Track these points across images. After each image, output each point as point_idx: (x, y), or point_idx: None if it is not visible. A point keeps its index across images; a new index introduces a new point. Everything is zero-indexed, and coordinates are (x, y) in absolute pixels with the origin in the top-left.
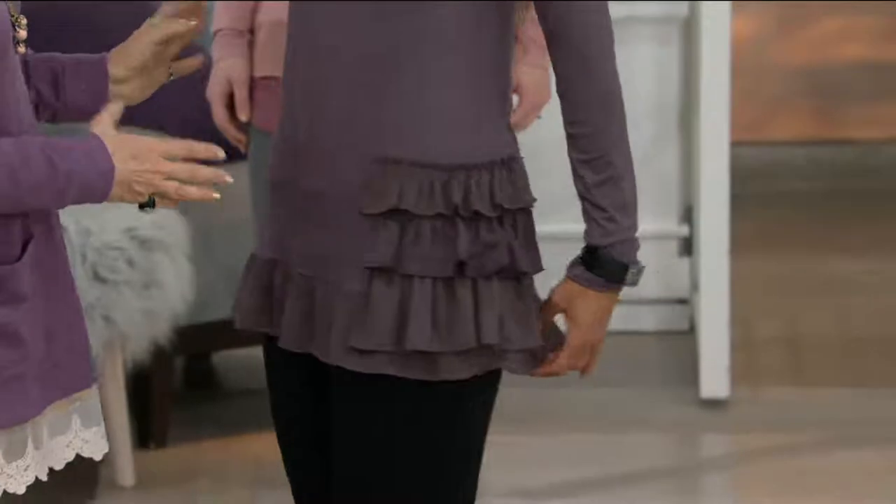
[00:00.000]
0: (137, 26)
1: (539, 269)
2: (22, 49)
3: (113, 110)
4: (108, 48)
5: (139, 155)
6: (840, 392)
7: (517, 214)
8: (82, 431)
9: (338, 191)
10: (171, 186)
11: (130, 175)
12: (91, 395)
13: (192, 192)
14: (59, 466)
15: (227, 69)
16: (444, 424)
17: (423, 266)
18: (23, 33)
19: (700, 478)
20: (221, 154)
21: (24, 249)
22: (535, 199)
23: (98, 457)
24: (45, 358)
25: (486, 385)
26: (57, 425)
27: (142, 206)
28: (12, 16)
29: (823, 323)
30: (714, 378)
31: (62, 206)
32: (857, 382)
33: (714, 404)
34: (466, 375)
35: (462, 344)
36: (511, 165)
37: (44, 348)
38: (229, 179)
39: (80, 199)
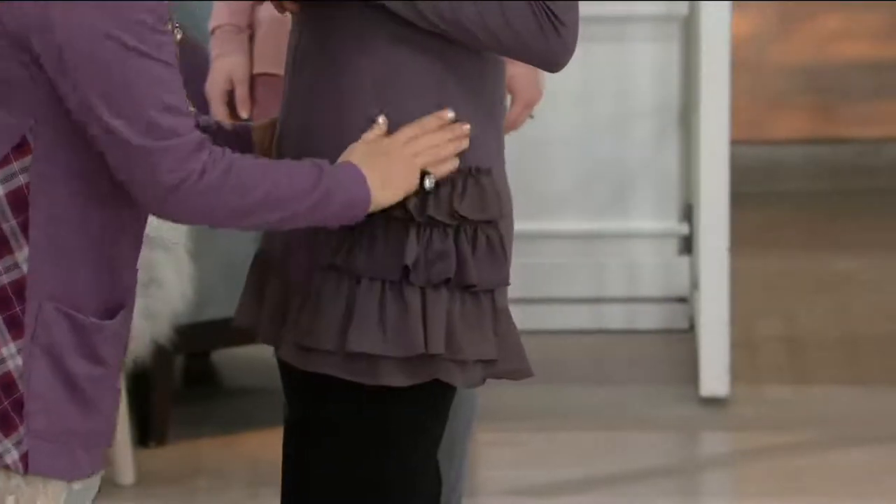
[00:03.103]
0: None
1: (499, 284)
2: None
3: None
4: None
5: (386, 151)
6: (840, 390)
7: (480, 226)
8: None
9: None
10: (423, 160)
11: (387, 169)
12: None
13: (447, 150)
14: None
15: (227, 66)
16: (380, 430)
17: (372, 268)
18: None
19: (700, 476)
20: (450, 114)
21: (114, 314)
22: (503, 213)
23: None
24: (102, 430)
25: (432, 395)
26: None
27: (425, 190)
28: None
29: (823, 321)
30: (714, 376)
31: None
32: (857, 380)
33: (714, 402)
34: (406, 383)
35: (408, 350)
36: (480, 178)
37: (103, 420)
38: (466, 127)
39: (343, 205)
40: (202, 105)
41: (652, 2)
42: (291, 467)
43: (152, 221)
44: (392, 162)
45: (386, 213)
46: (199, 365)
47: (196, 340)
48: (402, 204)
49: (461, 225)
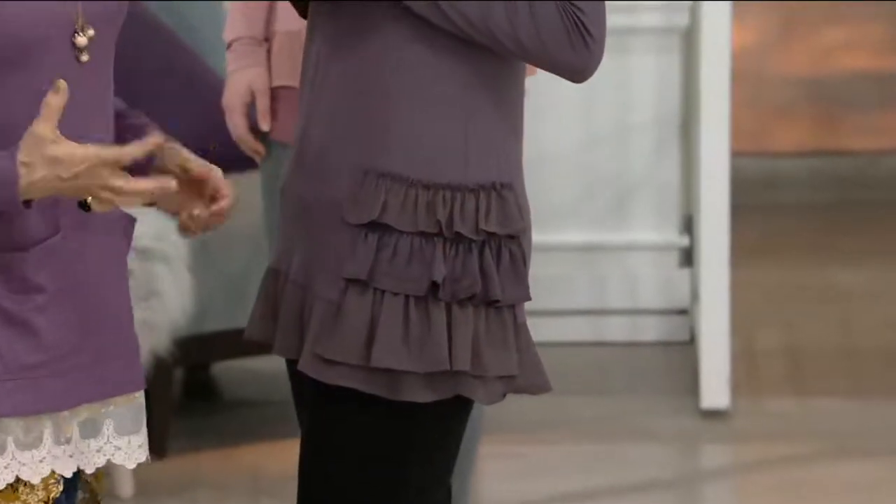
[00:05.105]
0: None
1: (521, 299)
2: (85, 57)
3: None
4: None
5: (60, 161)
6: (841, 402)
7: (504, 241)
8: (115, 438)
9: (325, 199)
10: (106, 196)
11: (54, 182)
12: (129, 402)
13: (131, 199)
14: (89, 470)
15: (247, 78)
16: (400, 445)
17: (396, 282)
18: (82, 40)
19: (700, 489)
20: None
21: (43, 241)
22: (526, 228)
23: (129, 465)
24: (78, 354)
25: (452, 411)
26: (89, 427)
27: (80, 205)
28: (77, 21)
29: (824, 333)
30: (714, 389)
31: None
32: (858, 393)
33: (714, 415)
34: (428, 399)
35: (432, 366)
36: (503, 193)
37: (75, 344)
38: (173, 186)
39: None
40: (207, 116)
41: (653, 13)
42: (306, 482)
43: (152, 232)
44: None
45: (413, 227)
46: (200, 377)
47: (196, 353)
48: (430, 219)
49: (486, 240)
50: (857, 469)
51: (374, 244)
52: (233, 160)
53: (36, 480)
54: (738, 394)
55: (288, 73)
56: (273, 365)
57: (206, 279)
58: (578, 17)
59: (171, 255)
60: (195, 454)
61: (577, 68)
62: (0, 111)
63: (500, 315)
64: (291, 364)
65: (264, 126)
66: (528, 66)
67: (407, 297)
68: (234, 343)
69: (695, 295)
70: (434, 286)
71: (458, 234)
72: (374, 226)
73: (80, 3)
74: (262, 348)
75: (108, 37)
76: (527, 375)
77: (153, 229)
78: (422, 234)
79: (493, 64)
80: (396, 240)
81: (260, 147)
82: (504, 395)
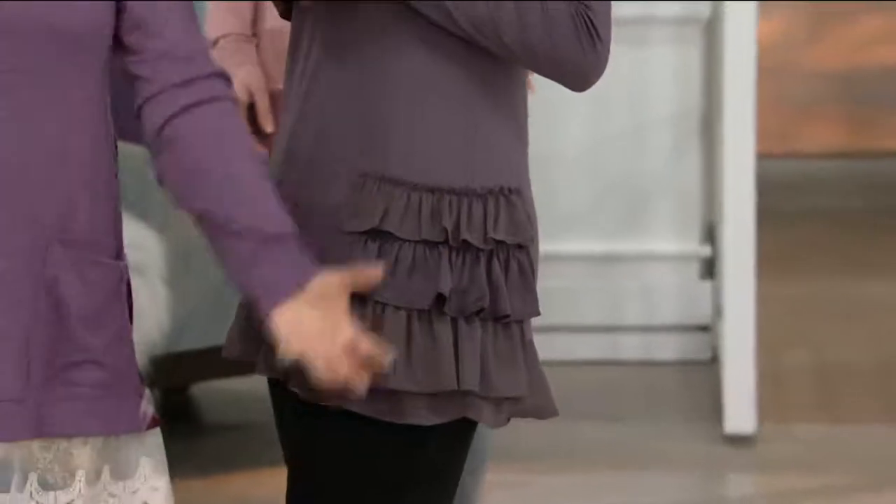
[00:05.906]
0: None
1: (530, 314)
2: None
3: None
4: None
5: (327, 316)
6: (875, 427)
7: (512, 251)
8: None
9: (320, 205)
10: (323, 363)
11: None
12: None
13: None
14: None
15: (243, 77)
16: (398, 470)
17: (398, 295)
18: None
19: None
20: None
21: None
22: (534, 237)
23: None
24: None
25: (456, 435)
26: None
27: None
28: None
29: (856, 351)
30: (739, 412)
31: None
32: (893, 417)
33: (739, 441)
34: (433, 422)
35: (438, 386)
36: (511, 198)
37: None
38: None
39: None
40: None
41: (672, 2)
42: None
43: (128, 243)
44: (320, 325)
45: (416, 235)
46: (177, 399)
47: (173, 373)
48: (436, 226)
49: (494, 250)
50: (891, 499)
51: (374, 253)
52: None
53: None
54: (765, 417)
55: (277, 76)
56: (255, 386)
57: (184, 293)
58: (589, 17)
59: (147, 267)
60: (174, 483)
61: (583, 73)
62: None
63: (509, 331)
64: (273, 384)
65: (269, 127)
66: None
67: (410, 311)
68: (213, 362)
69: (717, 310)
70: (439, 299)
71: (465, 242)
72: (375, 234)
73: None
74: (243, 368)
75: (27, 55)
76: (535, 396)
77: (128, 238)
78: (426, 242)
79: (497, 65)
80: (398, 249)
81: (264, 150)
82: (509, 419)
